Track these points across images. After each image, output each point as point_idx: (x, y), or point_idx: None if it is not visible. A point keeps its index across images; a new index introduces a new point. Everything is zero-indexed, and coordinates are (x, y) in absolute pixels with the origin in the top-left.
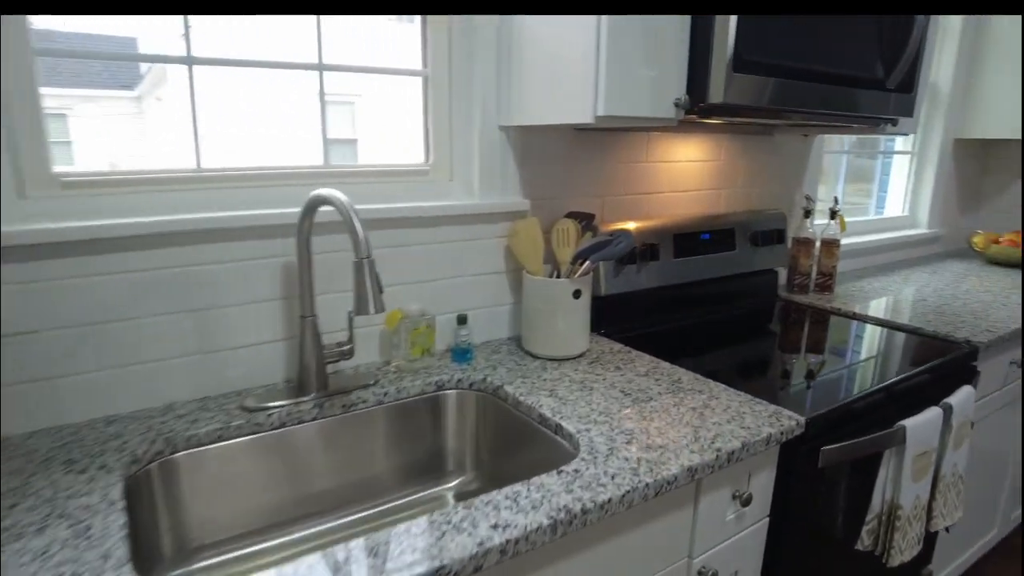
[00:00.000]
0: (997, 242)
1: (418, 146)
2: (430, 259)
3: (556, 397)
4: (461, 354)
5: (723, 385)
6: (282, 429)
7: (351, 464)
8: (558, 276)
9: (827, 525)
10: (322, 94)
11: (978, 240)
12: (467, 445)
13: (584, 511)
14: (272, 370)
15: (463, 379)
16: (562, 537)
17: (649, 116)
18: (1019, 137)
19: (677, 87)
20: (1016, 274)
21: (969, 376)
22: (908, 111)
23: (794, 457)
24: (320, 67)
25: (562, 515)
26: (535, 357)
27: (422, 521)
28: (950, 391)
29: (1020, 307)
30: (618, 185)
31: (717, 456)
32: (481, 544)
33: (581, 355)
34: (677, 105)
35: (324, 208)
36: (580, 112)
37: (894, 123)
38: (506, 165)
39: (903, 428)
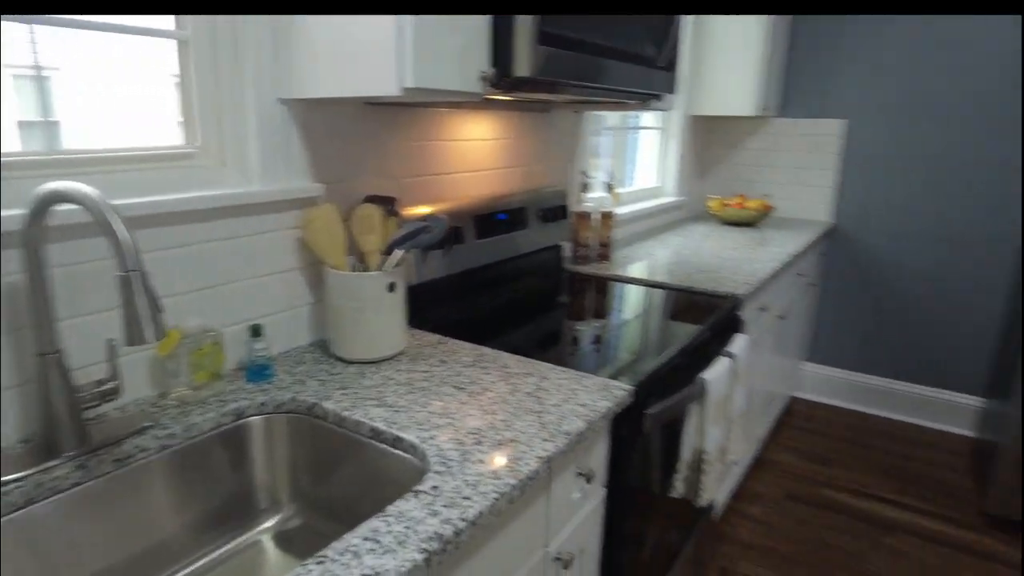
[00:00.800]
0: (727, 205)
1: (173, 126)
2: (207, 261)
3: (386, 405)
4: (258, 372)
5: (549, 364)
6: (28, 509)
7: (135, 532)
8: (364, 269)
9: (647, 483)
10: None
11: (713, 204)
12: (281, 477)
13: (457, 533)
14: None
15: (267, 402)
16: (438, 566)
17: (457, 90)
18: (735, 114)
19: (482, 60)
20: (748, 231)
21: (738, 325)
22: (672, 87)
23: (622, 425)
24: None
25: (435, 544)
26: (348, 362)
27: None
28: (727, 341)
29: (760, 262)
30: (414, 166)
31: (568, 440)
32: None
33: (399, 354)
34: (483, 79)
35: (62, 207)
36: (382, 83)
37: (659, 99)
38: (290, 145)
39: (703, 381)
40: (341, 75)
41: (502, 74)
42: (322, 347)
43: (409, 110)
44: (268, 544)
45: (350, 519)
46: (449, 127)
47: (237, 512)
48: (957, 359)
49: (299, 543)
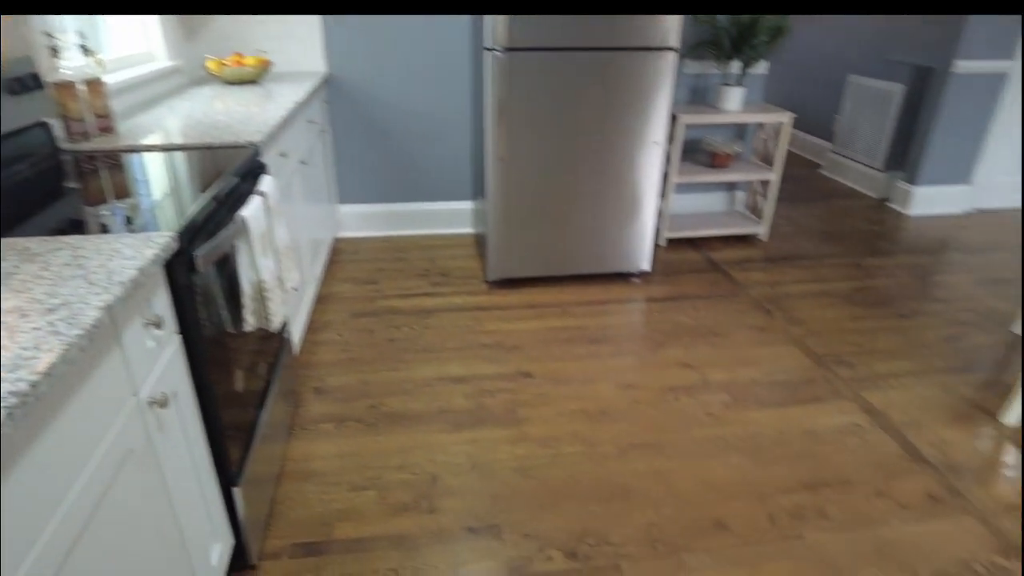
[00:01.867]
0: (226, 65)
1: None
2: None
3: None
4: None
5: (81, 236)
6: None
7: None
8: None
9: (219, 322)
10: None
11: (211, 65)
12: None
13: (33, 386)
14: None
15: None
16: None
17: None
18: None
19: None
20: (252, 89)
21: (263, 168)
22: None
23: (178, 271)
24: None
25: (12, 400)
26: None
27: None
28: (256, 182)
29: (269, 113)
30: None
31: (124, 289)
32: None
33: None
34: None
35: None
36: None
37: None
38: None
39: (242, 218)
40: None
41: None
42: None
43: None
44: None
45: None
46: None
47: None
48: (449, 176)
49: None
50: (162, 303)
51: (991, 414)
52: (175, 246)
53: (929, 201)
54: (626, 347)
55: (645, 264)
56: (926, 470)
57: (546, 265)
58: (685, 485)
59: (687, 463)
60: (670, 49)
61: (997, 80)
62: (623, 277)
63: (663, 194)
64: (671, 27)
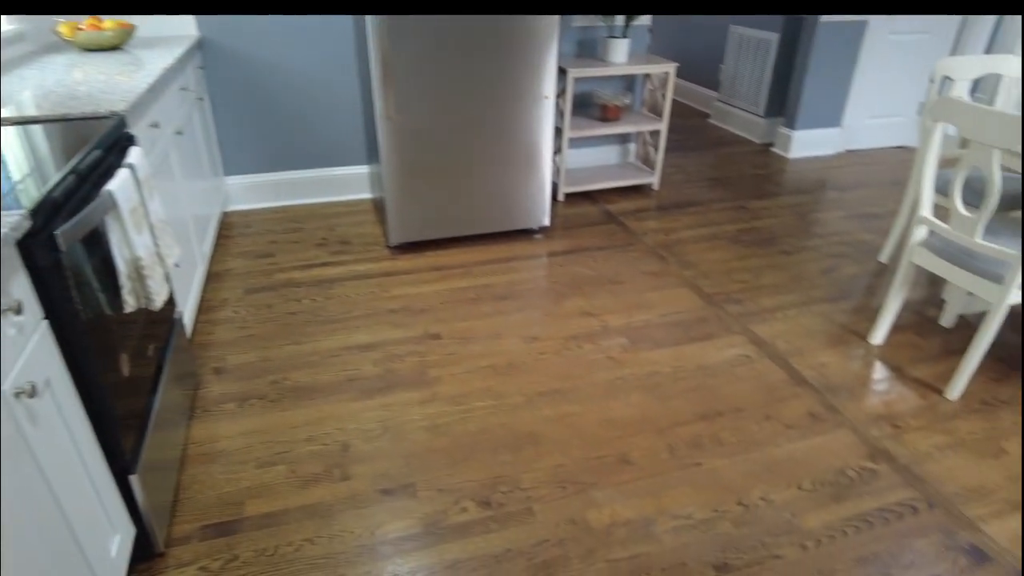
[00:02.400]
0: (81, 29)
1: None
2: None
3: None
4: None
5: None
6: None
7: None
8: None
9: (96, 304)
10: None
11: (64, 30)
12: None
13: None
14: None
15: None
16: None
17: None
18: None
19: None
20: (116, 56)
21: (131, 140)
22: None
23: (37, 252)
24: None
25: None
26: None
27: None
28: (125, 154)
29: (134, 81)
30: None
31: None
32: None
33: None
34: None
35: None
36: None
37: None
38: None
39: (110, 192)
40: None
41: None
42: None
43: None
44: None
45: None
46: None
47: None
48: (342, 140)
49: None
50: (22, 287)
51: (862, 336)
52: (27, 225)
53: (806, 144)
54: (530, 302)
55: (545, 219)
56: (808, 392)
57: (448, 226)
58: (590, 426)
59: (591, 406)
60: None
61: (858, 28)
62: (525, 234)
63: (558, 149)
64: None
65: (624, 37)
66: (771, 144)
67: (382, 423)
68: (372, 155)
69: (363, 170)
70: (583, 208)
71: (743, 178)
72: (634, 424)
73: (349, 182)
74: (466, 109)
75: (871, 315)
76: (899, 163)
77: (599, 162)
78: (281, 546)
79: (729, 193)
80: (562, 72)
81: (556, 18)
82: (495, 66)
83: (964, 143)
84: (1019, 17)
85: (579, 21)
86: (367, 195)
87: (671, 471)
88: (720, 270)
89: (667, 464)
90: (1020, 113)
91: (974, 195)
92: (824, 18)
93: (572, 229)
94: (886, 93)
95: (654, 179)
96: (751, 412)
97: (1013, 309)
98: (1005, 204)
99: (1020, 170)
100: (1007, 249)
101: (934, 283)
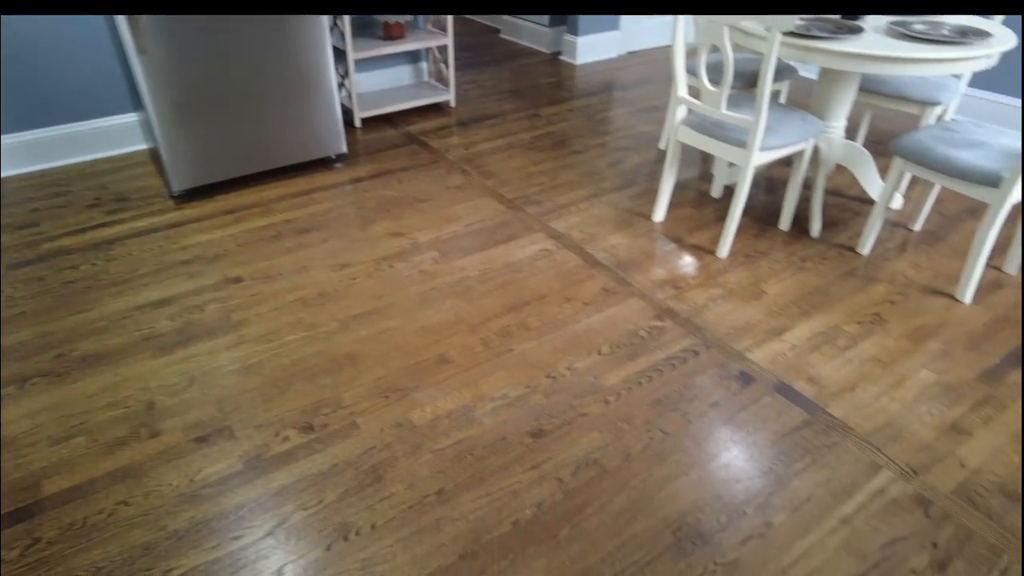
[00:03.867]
0: None
1: None
2: None
3: None
4: None
5: None
6: None
7: None
8: None
9: None
10: None
11: None
12: None
13: None
14: None
15: None
16: None
17: None
18: None
19: None
20: None
21: None
22: None
23: None
24: None
25: None
26: None
27: None
28: None
29: None
30: None
31: None
32: None
33: None
34: None
35: None
36: None
37: None
38: None
39: None
40: None
41: None
42: None
43: None
44: None
45: None
46: None
47: None
48: (99, 86)
49: None
50: None
51: (647, 217)
52: None
53: (590, 49)
54: (336, 231)
55: (342, 146)
56: (602, 272)
57: (236, 165)
58: (407, 337)
59: (407, 318)
60: None
61: None
62: (324, 164)
63: (346, 73)
64: None
65: None
66: (559, 52)
67: (187, 375)
68: (136, 99)
69: (132, 118)
70: (383, 132)
71: (535, 87)
72: (449, 327)
73: (117, 134)
74: (229, 35)
75: (654, 197)
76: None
77: (393, 84)
78: (91, 516)
79: (523, 103)
80: None
81: None
82: None
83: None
84: None
85: None
86: (142, 145)
87: (486, 361)
88: (519, 176)
89: (482, 356)
90: None
91: (719, 74)
92: None
93: (374, 154)
94: None
95: (450, 96)
96: (553, 297)
97: (763, 174)
98: (748, 82)
99: (754, 46)
100: (747, 117)
101: (706, 161)
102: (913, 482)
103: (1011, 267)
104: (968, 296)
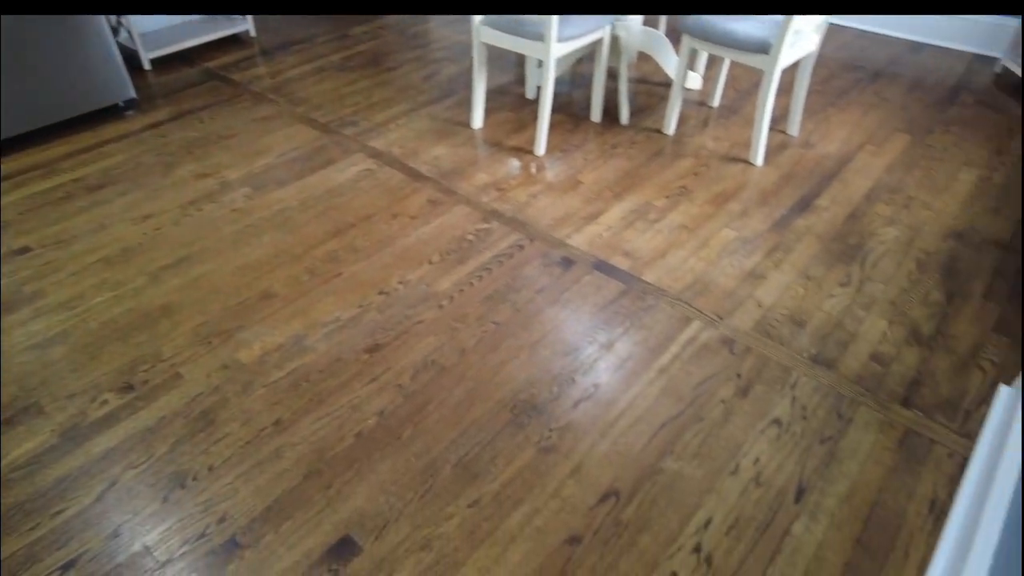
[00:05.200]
0: None
1: None
2: None
3: None
4: None
5: None
6: None
7: None
8: None
9: None
10: None
11: None
12: None
13: None
14: None
15: None
16: None
17: None
18: None
19: None
20: None
21: None
22: None
23: None
24: None
25: None
26: None
27: None
28: None
29: None
30: None
31: None
32: None
33: None
34: None
35: None
36: None
37: None
38: None
39: None
40: None
41: None
42: None
43: None
44: None
45: None
46: None
47: None
48: None
49: None
50: None
51: (467, 125)
52: None
53: None
54: (135, 182)
55: (129, 91)
56: (426, 185)
57: (6, 126)
58: (225, 279)
59: (223, 260)
60: None
61: None
62: (112, 112)
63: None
64: None
65: None
66: None
67: None
68: None
69: None
70: (179, 72)
71: None
72: (270, 261)
73: None
74: None
75: (469, 105)
76: None
77: (183, 19)
78: None
79: (330, 25)
80: None
81: None
82: None
83: None
84: None
85: None
86: None
87: (314, 289)
88: (332, 99)
89: (308, 284)
90: None
91: None
92: None
93: (170, 96)
94: None
95: (248, 26)
96: (379, 216)
97: (574, 70)
98: None
99: None
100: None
101: (520, 65)
102: (719, 327)
103: (793, 129)
104: (759, 159)
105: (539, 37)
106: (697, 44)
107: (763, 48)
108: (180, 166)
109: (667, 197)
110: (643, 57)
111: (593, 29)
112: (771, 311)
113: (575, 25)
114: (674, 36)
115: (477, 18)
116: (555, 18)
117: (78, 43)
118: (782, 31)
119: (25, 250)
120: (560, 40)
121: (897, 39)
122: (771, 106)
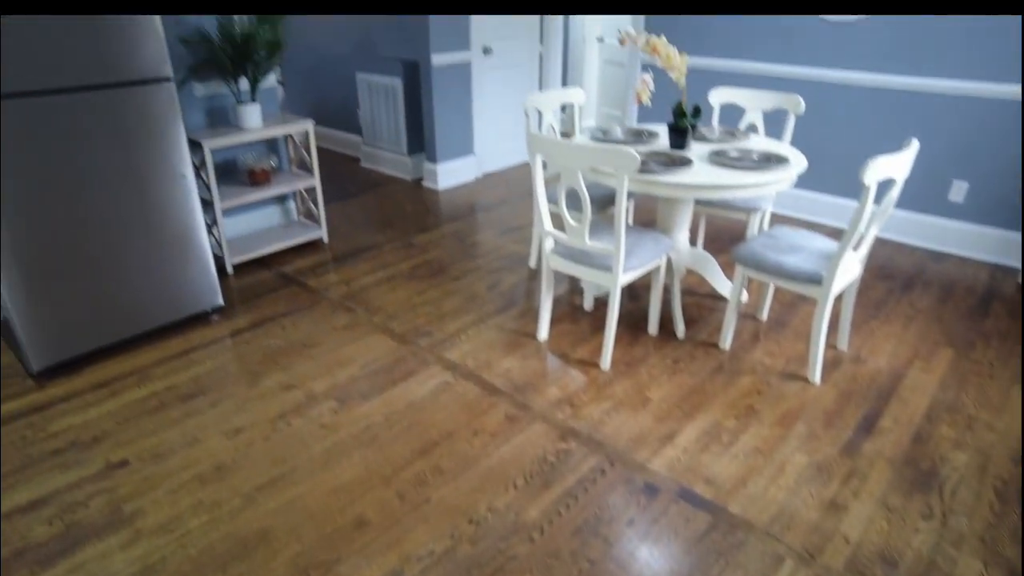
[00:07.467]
0: None
1: None
2: None
3: None
4: None
5: None
6: None
7: None
8: None
9: None
10: None
11: None
12: None
13: None
14: None
15: None
16: None
17: None
18: None
19: None
20: None
21: None
22: None
23: None
24: None
25: None
26: None
27: None
28: None
29: None
30: None
31: None
32: None
33: None
34: None
35: None
36: None
37: None
38: None
39: None
40: None
41: None
42: None
43: None
44: None
45: None
46: None
47: None
48: None
49: None
50: None
51: (532, 336)
52: None
53: (450, 175)
54: (224, 391)
55: (218, 298)
56: (502, 399)
57: (105, 332)
58: (319, 502)
59: (315, 480)
60: (165, 79)
61: (464, 68)
62: (200, 319)
63: (213, 221)
64: (156, 56)
65: (253, 101)
66: (421, 179)
67: None
68: None
69: None
70: (258, 276)
71: (404, 216)
72: (361, 483)
73: None
74: (94, 200)
75: (534, 316)
76: (527, 176)
77: (262, 226)
78: None
79: (395, 233)
80: (197, 145)
81: (171, 92)
82: (120, 151)
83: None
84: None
85: (200, 91)
86: None
87: (405, 516)
88: (405, 308)
89: (400, 511)
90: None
91: (578, 202)
92: (435, 61)
93: (251, 301)
94: (502, 118)
95: (322, 232)
96: (461, 432)
97: (630, 285)
98: (603, 204)
99: (605, 181)
100: (607, 246)
101: (573, 277)
102: (812, 566)
103: (842, 344)
104: (817, 377)
105: (607, 268)
106: (751, 273)
107: (815, 280)
108: (266, 375)
109: (736, 418)
110: (688, 270)
111: (653, 258)
112: (860, 548)
113: (638, 257)
114: (711, 248)
115: (546, 249)
116: (622, 254)
117: (179, 252)
118: (832, 266)
119: (123, 463)
120: (626, 271)
121: (918, 247)
122: (825, 330)
